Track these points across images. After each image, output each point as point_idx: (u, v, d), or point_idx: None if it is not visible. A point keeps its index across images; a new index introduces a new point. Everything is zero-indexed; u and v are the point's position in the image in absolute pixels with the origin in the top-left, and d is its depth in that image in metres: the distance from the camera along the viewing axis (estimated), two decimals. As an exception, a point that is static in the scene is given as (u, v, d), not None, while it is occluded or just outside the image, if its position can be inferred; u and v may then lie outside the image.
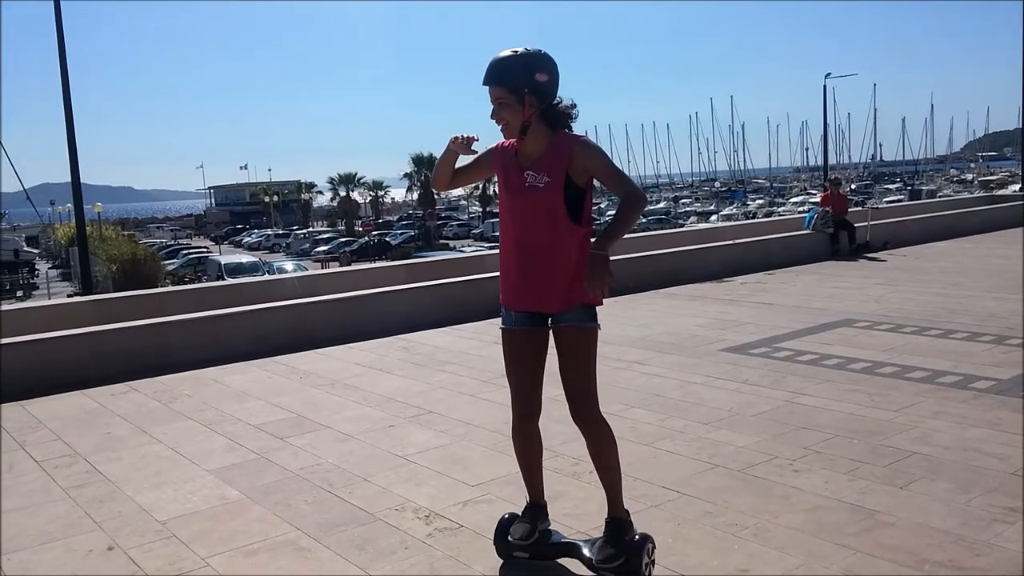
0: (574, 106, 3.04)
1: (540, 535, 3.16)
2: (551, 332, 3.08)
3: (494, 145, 3.13)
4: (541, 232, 2.98)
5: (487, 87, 2.97)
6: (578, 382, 3.02)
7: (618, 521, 3.08)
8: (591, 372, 3.03)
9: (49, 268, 47.02)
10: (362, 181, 70.77)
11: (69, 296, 24.50)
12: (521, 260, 3.04)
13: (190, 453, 4.63)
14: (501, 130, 3.02)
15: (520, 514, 3.22)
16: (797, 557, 3.08)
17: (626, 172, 3.01)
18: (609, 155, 3.02)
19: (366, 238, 53.22)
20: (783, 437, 4.41)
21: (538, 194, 2.97)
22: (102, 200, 57.26)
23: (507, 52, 2.94)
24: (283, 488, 4.02)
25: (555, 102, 2.99)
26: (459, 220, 68.68)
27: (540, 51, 2.96)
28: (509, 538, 3.15)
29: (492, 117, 3.01)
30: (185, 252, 49.18)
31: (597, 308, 3.04)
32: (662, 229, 37.86)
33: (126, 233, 46.90)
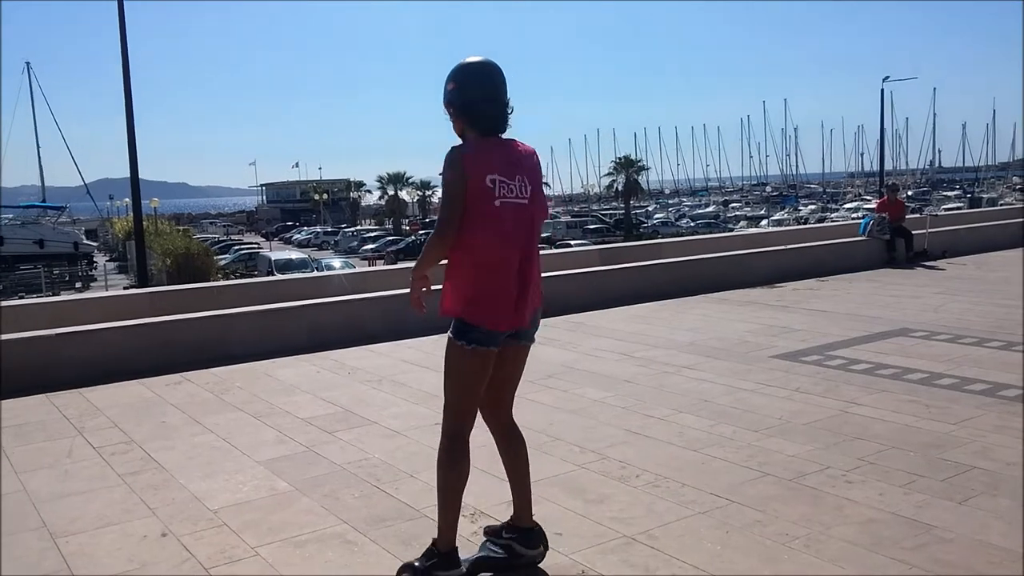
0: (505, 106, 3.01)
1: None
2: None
3: None
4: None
5: None
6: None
7: (429, 551, 3.04)
8: (448, 384, 3.05)
9: (107, 261, 48.35)
10: (410, 181, 71.38)
11: (125, 288, 25.19)
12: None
13: (241, 444, 4.72)
14: None
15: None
16: (850, 570, 3.01)
17: (444, 202, 2.98)
18: (447, 178, 2.91)
19: (413, 237, 53.62)
20: (836, 447, 4.31)
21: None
22: (159, 195, 58.71)
23: None
24: (331, 481, 4.07)
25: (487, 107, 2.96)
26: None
27: (461, 62, 3.01)
28: None
29: None
30: (237, 248, 50.14)
31: (468, 326, 2.94)
32: (711, 233, 37.42)
33: (181, 228, 48.00)
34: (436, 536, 3.06)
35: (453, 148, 2.95)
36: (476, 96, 2.98)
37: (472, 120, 2.99)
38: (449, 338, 2.99)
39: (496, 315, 2.93)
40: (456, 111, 3.01)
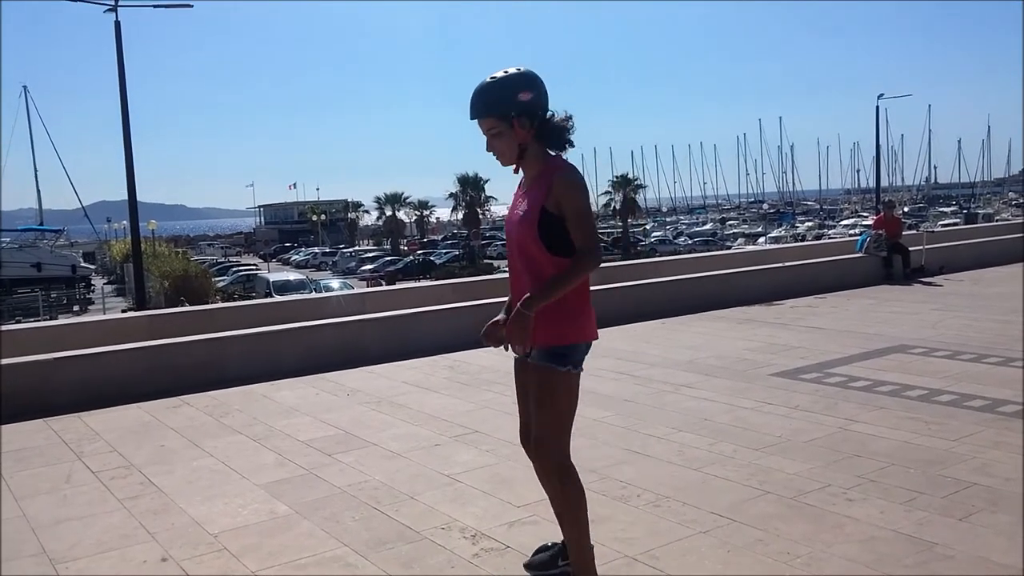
0: (569, 118, 2.94)
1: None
2: None
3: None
4: (521, 262, 2.94)
5: (476, 121, 2.88)
6: (535, 422, 2.98)
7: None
8: (547, 416, 2.93)
9: (104, 284, 48.29)
10: (408, 201, 71.45)
11: (123, 311, 25.15)
12: (514, 290, 3.00)
13: (240, 467, 4.70)
14: (497, 159, 2.94)
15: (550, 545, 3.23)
16: (852, 588, 2.99)
17: (594, 221, 2.88)
18: (587, 196, 2.86)
19: (411, 257, 53.68)
20: (836, 465, 4.31)
21: (521, 223, 2.92)
22: (156, 217, 58.73)
23: (486, 80, 2.87)
24: (331, 504, 4.05)
25: (548, 117, 2.91)
26: (504, 240, 68.72)
27: (519, 70, 2.88)
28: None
29: (487, 150, 2.94)
30: (235, 269, 50.14)
31: (574, 349, 2.96)
32: (709, 251, 37.49)
33: (178, 250, 48.02)
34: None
35: (568, 172, 2.84)
36: (547, 108, 2.90)
37: (552, 134, 2.91)
38: (544, 367, 2.94)
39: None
40: (531, 122, 2.86)
